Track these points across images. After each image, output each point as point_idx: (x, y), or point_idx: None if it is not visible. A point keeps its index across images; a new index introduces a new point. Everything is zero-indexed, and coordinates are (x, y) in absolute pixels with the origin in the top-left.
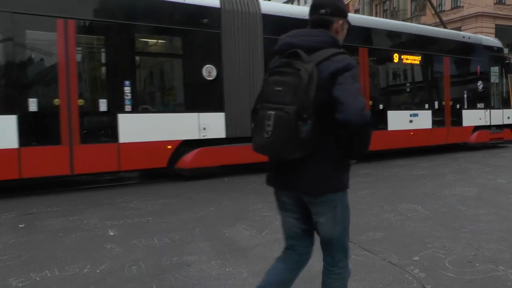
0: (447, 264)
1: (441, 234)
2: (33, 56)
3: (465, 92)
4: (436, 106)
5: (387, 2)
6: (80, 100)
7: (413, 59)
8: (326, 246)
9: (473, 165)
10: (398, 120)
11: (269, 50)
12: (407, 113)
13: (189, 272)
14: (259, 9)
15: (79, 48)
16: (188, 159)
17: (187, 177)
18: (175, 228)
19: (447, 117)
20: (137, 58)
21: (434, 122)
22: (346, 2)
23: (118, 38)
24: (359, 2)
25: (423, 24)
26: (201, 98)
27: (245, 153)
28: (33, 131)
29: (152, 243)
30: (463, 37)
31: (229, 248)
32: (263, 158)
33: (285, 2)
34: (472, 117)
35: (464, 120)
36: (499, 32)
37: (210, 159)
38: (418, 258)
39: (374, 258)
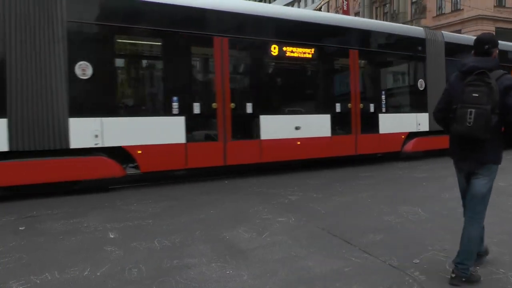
0: (447, 267)
1: (442, 236)
2: (197, 67)
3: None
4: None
5: (387, 5)
6: (232, 104)
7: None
8: (473, 200)
9: None
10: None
11: (452, 70)
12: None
13: (189, 275)
14: (443, 38)
15: (235, 62)
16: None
17: (188, 179)
18: (175, 231)
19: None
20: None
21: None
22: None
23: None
24: (359, 4)
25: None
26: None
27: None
28: (196, 129)
29: (153, 246)
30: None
31: (229, 251)
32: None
33: (286, 5)
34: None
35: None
36: (500, 35)
37: (423, 146)
38: (418, 261)
39: (375, 261)
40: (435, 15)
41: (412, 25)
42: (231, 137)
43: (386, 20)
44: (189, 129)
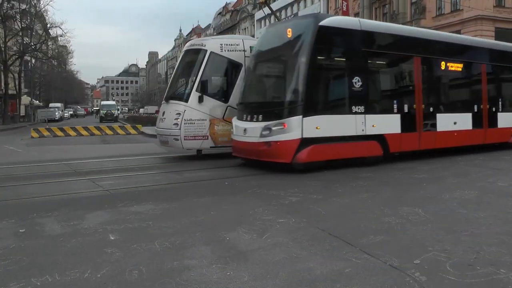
0: (448, 268)
1: (442, 237)
2: (404, 79)
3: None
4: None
5: (386, 6)
6: (422, 105)
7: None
8: None
9: (474, 168)
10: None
11: None
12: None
13: (190, 276)
14: None
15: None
16: None
17: (187, 181)
18: (175, 232)
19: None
20: None
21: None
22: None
23: None
24: (358, 5)
25: (422, 27)
26: None
27: None
28: (406, 123)
29: (153, 248)
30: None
31: (230, 252)
32: None
33: (286, 5)
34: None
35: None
36: (499, 35)
37: None
38: (419, 262)
39: (375, 262)
40: (434, 15)
41: (411, 25)
42: (422, 128)
43: (386, 21)
44: (403, 123)
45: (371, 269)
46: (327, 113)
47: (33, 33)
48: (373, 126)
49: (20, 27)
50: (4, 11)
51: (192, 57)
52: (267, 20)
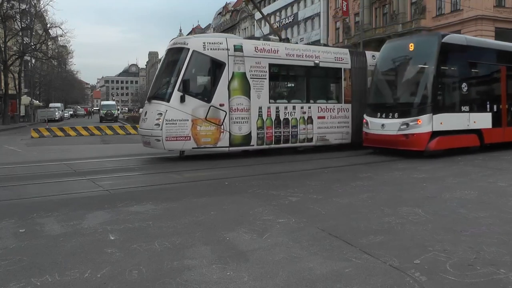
0: (448, 267)
1: (442, 237)
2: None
3: None
4: None
5: (386, 6)
6: (506, 105)
7: None
8: None
9: (474, 168)
10: None
11: None
12: None
13: (190, 276)
14: None
15: None
16: None
17: (187, 181)
18: (175, 232)
19: None
20: None
21: None
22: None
23: None
24: (358, 5)
25: (422, 27)
26: None
27: None
28: (494, 120)
29: (153, 248)
30: None
31: (230, 252)
32: None
33: (286, 5)
34: None
35: None
36: (499, 35)
37: None
38: (419, 262)
39: (375, 262)
40: (434, 15)
41: (411, 25)
42: (507, 124)
43: (386, 21)
44: (493, 120)
45: (371, 269)
46: (447, 111)
47: (33, 33)
48: (474, 122)
49: (20, 27)
50: (4, 11)
51: (175, 56)
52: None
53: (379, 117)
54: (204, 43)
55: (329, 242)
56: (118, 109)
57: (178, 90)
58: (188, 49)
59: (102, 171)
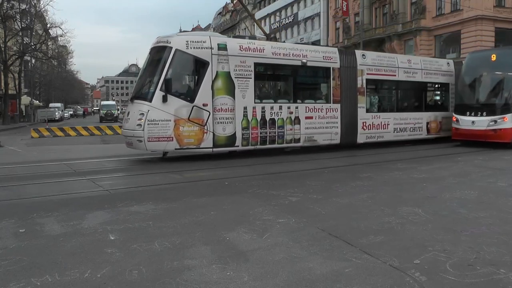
0: (448, 267)
1: (442, 237)
2: None
3: None
4: None
5: (386, 6)
6: None
7: None
8: None
9: (474, 168)
10: None
11: None
12: None
13: (190, 276)
14: None
15: None
16: None
17: (187, 181)
18: (175, 232)
19: None
20: None
21: None
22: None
23: None
24: (358, 5)
25: (422, 27)
26: None
27: None
28: None
29: (153, 248)
30: None
31: (230, 252)
32: None
33: (286, 5)
34: None
35: None
36: (499, 35)
37: None
38: (419, 262)
39: (375, 262)
40: (434, 15)
41: (411, 25)
42: None
43: (386, 21)
44: None
45: (371, 269)
46: None
47: (33, 33)
48: None
49: (20, 27)
50: (4, 11)
51: (157, 55)
52: (267, 20)
53: (469, 116)
54: (187, 41)
55: (329, 242)
56: (118, 109)
57: (160, 89)
58: (171, 47)
59: (102, 171)
